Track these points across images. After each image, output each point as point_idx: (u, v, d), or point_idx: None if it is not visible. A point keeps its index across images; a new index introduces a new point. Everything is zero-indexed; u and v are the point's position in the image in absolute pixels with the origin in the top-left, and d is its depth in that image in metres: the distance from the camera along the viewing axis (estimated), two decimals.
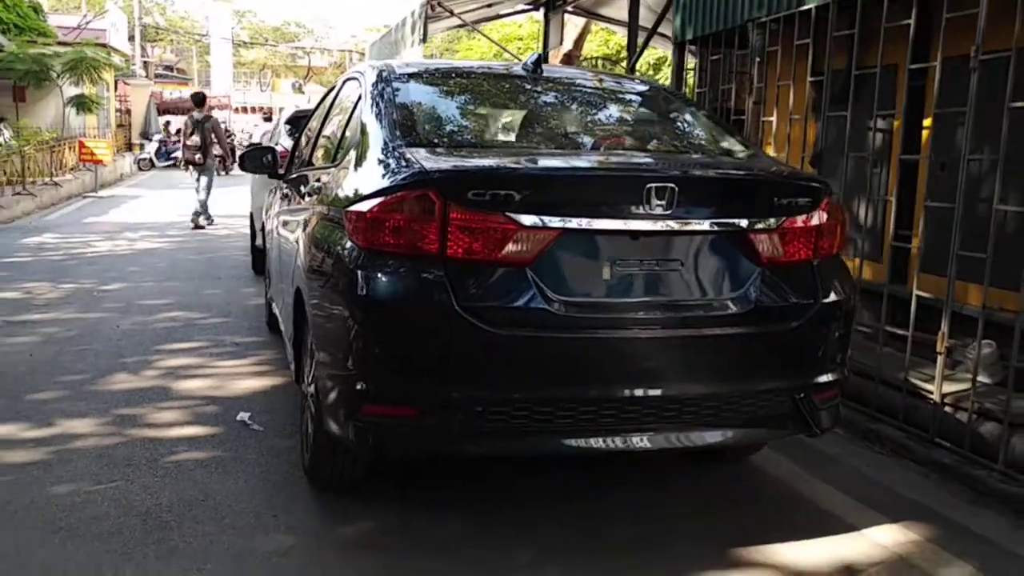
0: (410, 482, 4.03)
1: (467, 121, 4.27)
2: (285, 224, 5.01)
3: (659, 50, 19.50)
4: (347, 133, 4.23)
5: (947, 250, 4.53)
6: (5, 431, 4.55)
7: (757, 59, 6.30)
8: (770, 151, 6.57)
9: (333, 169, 4.10)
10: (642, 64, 23.32)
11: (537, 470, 4.17)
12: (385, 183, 3.30)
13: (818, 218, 3.52)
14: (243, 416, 4.81)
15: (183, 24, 61.51)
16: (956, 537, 3.65)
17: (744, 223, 3.39)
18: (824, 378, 3.56)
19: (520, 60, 4.63)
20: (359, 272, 3.22)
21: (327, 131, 4.95)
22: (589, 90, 4.71)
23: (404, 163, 3.35)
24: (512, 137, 4.24)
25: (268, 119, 20.85)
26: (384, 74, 4.21)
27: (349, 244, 3.34)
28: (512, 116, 4.42)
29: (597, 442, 3.36)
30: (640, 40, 10.44)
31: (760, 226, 3.41)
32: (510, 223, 3.14)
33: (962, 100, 4.42)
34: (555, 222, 3.18)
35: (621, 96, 4.79)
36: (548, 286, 3.19)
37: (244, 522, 3.59)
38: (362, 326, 3.23)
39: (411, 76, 4.32)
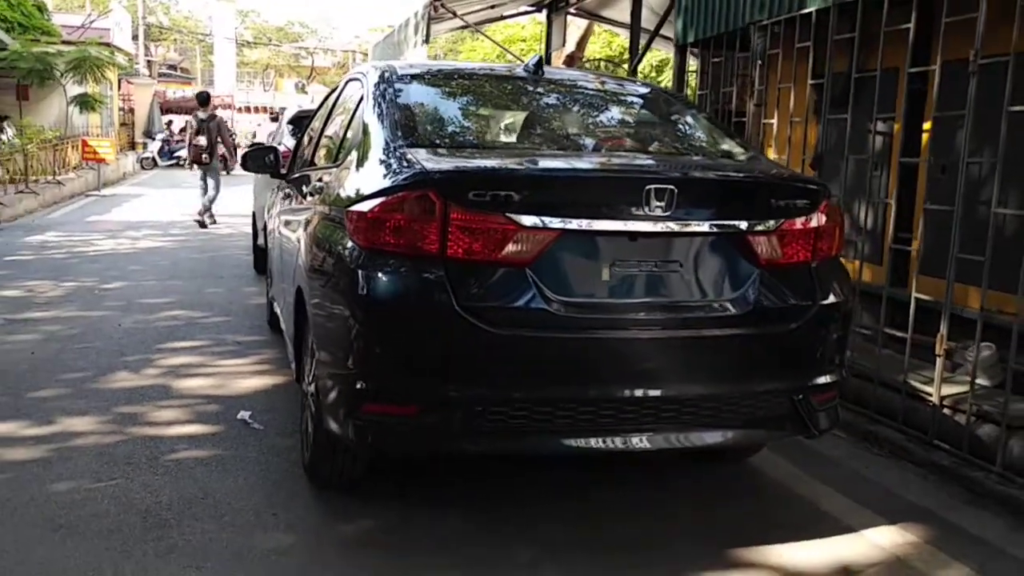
0: (410, 480, 4.04)
1: (468, 122, 4.28)
2: (287, 224, 5.03)
3: (662, 52, 19.52)
4: (349, 133, 4.25)
5: (946, 253, 4.54)
6: (6, 428, 4.57)
7: (758, 62, 6.31)
8: (771, 153, 6.59)
9: (335, 169, 4.12)
10: (645, 66, 23.35)
11: (537, 469, 4.19)
12: (386, 183, 3.32)
13: (816, 220, 3.54)
14: (244, 415, 4.82)
15: (187, 23, 61.57)
16: (953, 538, 3.67)
17: (743, 225, 3.41)
18: (822, 379, 3.57)
19: (523, 61, 4.64)
20: (360, 272, 3.24)
21: (329, 131, 4.97)
22: (590, 92, 4.72)
23: (405, 163, 3.36)
24: (513, 138, 4.26)
25: (275, 119, 20.78)
26: (386, 75, 4.23)
27: (350, 244, 3.35)
28: (513, 117, 4.44)
29: (596, 442, 3.37)
30: (642, 42, 10.46)
31: (759, 228, 3.42)
32: (510, 224, 3.15)
33: (961, 104, 4.43)
34: (555, 223, 3.19)
35: (621, 98, 4.80)
36: (548, 286, 3.21)
37: (244, 520, 3.60)
38: (362, 325, 3.25)
39: (413, 77, 4.34)
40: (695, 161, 3.99)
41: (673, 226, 3.31)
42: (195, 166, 14.55)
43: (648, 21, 10.49)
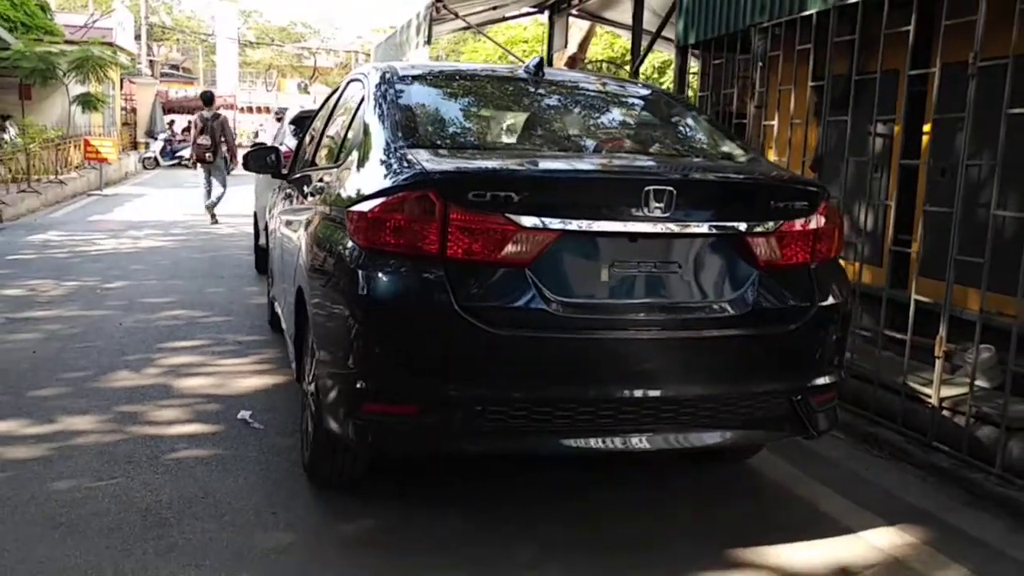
0: (410, 480, 4.05)
1: (469, 123, 4.29)
2: (288, 224, 5.04)
3: (663, 54, 19.52)
4: (350, 134, 4.26)
5: (946, 255, 4.54)
6: (6, 427, 4.58)
7: (759, 64, 6.32)
8: (771, 155, 6.59)
9: (335, 169, 4.13)
10: (646, 68, 23.37)
11: (537, 468, 4.19)
12: (386, 183, 3.32)
13: (815, 222, 3.54)
14: (244, 414, 4.83)
15: (189, 23, 61.66)
16: (952, 540, 3.67)
17: (742, 226, 3.41)
18: (821, 380, 3.58)
19: (525, 63, 4.65)
20: (360, 272, 3.25)
21: (330, 132, 4.98)
22: (590, 93, 4.73)
23: (405, 164, 3.37)
24: (513, 139, 4.27)
25: (281, 119, 20.85)
26: (387, 76, 4.24)
27: (350, 244, 3.36)
28: (513, 118, 4.45)
29: (596, 442, 3.38)
30: (644, 44, 10.46)
31: (758, 229, 3.43)
32: (510, 224, 3.16)
33: (961, 106, 4.44)
34: (554, 223, 3.20)
35: (622, 99, 4.81)
36: (547, 287, 3.22)
37: (244, 519, 3.61)
38: (362, 325, 3.26)
39: (414, 78, 4.35)
40: (695, 163, 4.00)
41: (672, 227, 3.32)
42: (199, 165, 14.67)
43: (650, 23, 10.49)
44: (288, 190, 5.49)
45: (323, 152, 4.97)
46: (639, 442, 3.40)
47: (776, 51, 6.05)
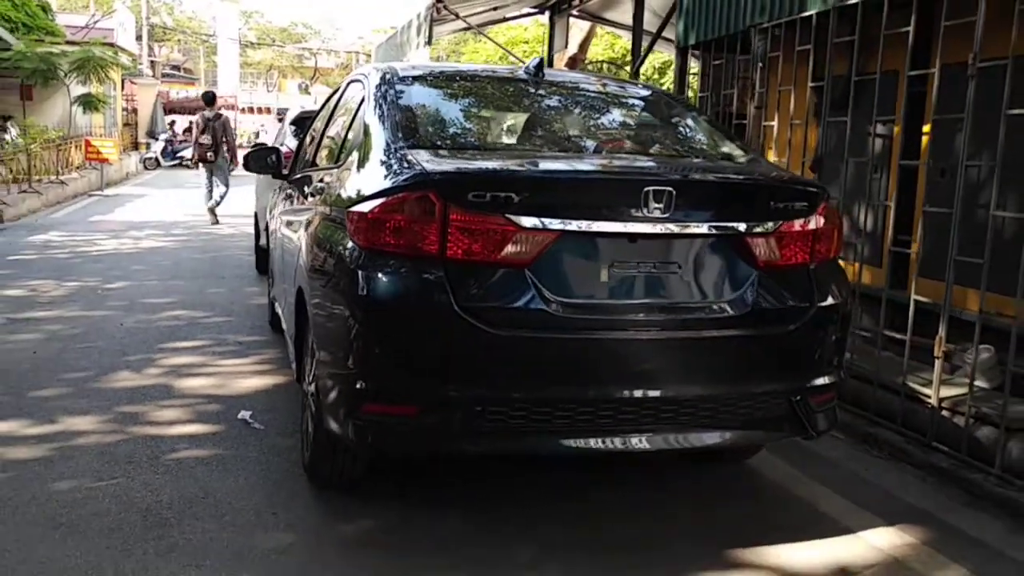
0: (410, 480, 4.05)
1: (469, 124, 4.30)
2: (288, 224, 5.05)
3: (664, 54, 19.51)
4: (350, 134, 4.26)
5: (946, 255, 4.54)
6: (7, 427, 4.58)
7: (759, 64, 6.32)
8: (771, 156, 6.60)
9: (336, 170, 4.14)
10: (647, 68, 23.37)
11: (537, 469, 4.20)
12: (386, 184, 3.33)
13: (815, 222, 3.55)
14: (244, 414, 4.84)
15: (190, 24, 61.66)
16: (951, 540, 3.68)
17: (741, 227, 3.42)
18: (820, 381, 3.58)
19: (526, 63, 4.66)
20: (360, 272, 3.26)
21: (331, 132, 4.99)
22: (590, 94, 4.73)
23: (405, 164, 3.38)
24: (513, 140, 4.28)
25: (282, 120, 20.91)
26: (387, 77, 4.24)
27: (350, 244, 3.37)
28: (513, 119, 4.46)
29: (596, 443, 3.38)
30: (644, 45, 10.47)
31: (757, 230, 3.44)
32: (509, 225, 3.16)
33: (961, 107, 4.44)
34: (554, 224, 3.21)
35: (621, 100, 4.82)
36: (547, 287, 3.22)
37: (244, 520, 3.61)
38: (362, 325, 3.26)
39: (414, 79, 4.36)
40: (694, 163, 4.00)
41: (672, 228, 3.32)
42: (200, 165, 14.72)
43: (650, 23, 10.50)
44: (289, 191, 5.50)
45: (323, 153, 4.97)
46: (639, 442, 3.40)
47: (776, 52, 6.06)
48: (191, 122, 14.65)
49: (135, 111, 34.99)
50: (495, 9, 12.33)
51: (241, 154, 9.79)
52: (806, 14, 5.60)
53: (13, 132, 20.26)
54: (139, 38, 38.40)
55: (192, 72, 58.46)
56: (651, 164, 3.95)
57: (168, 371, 5.71)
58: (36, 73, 20.86)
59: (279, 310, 5.71)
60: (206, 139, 14.15)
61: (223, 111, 15.54)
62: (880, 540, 3.65)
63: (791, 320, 3.48)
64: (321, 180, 4.34)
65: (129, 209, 17.27)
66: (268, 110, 50.50)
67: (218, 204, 14.63)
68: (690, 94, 8.91)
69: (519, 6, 12.64)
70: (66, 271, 9.56)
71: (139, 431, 4.58)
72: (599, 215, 3.27)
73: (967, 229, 4.55)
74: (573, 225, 3.23)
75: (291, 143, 9.36)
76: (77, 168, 21.63)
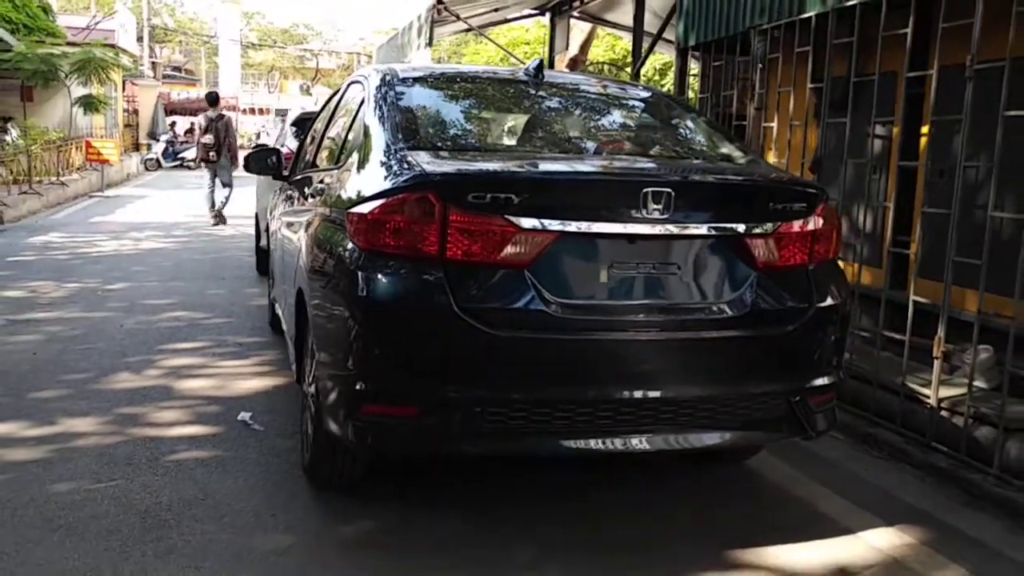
0: (410, 481, 4.05)
1: (468, 125, 4.30)
2: (288, 225, 5.05)
3: (665, 56, 19.51)
4: (350, 136, 4.27)
5: (944, 256, 4.55)
6: (6, 429, 4.58)
7: (759, 65, 6.32)
8: (771, 157, 6.61)
9: (336, 171, 4.14)
10: (648, 69, 23.36)
11: (537, 469, 4.20)
12: (386, 185, 3.34)
13: (813, 223, 3.55)
14: (244, 416, 4.84)
15: (192, 25, 61.67)
16: (950, 540, 3.68)
17: (740, 228, 3.43)
18: (819, 381, 3.59)
19: (526, 64, 4.66)
20: (359, 273, 3.26)
21: (331, 133, 4.99)
22: (589, 95, 4.74)
23: (405, 166, 3.38)
24: (513, 141, 4.28)
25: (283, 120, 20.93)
26: (387, 78, 4.25)
27: (350, 245, 3.37)
28: (513, 120, 4.46)
29: (595, 443, 3.38)
30: (645, 46, 10.47)
31: (756, 231, 3.44)
32: (509, 226, 3.17)
33: (959, 108, 4.45)
34: (553, 225, 3.21)
35: (621, 102, 4.82)
36: (546, 288, 3.23)
37: (243, 521, 3.61)
38: (362, 326, 3.27)
39: (414, 80, 4.36)
40: (693, 164, 4.01)
41: (671, 229, 3.33)
42: (203, 165, 14.76)
43: (651, 25, 10.50)
44: (289, 192, 5.50)
45: (324, 154, 4.98)
46: (638, 443, 3.40)
47: (775, 53, 6.06)
48: (192, 123, 14.68)
49: (136, 112, 35.01)
50: (496, 11, 12.34)
51: (242, 155, 9.79)
52: (805, 16, 5.61)
53: (14, 133, 20.27)
54: (140, 39, 38.44)
55: (193, 73, 58.49)
56: (650, 165, 3.96)
57: (168, 372, 5.72)
58: (37, 74, 20.85)
59: (279, 311, 5.71)
60: (208, 139, 14.19)
61: (225, 112, 15.56)
62: (879, 540, 3.65)
63: (790, 321, 3.48)
64: (321, 181, 4.34)
65: (130, 210, 17.28)
66: (270, 111, 50.55)
67: (224, 206, 14.67)
68: (690, 95, 8.92)
69: (520, 7, 12.65)
70: (66, 272, 9.56)
71: (138, 433, 4.58)
72: (598, 216, 3.27)
73: (965, 230, 4.55)
74: (572, 226, 3.24)
75: (292, 144, 9.37)
76: (78, 169, 21.65)
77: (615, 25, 12.95)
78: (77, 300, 8.06)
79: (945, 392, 4.62)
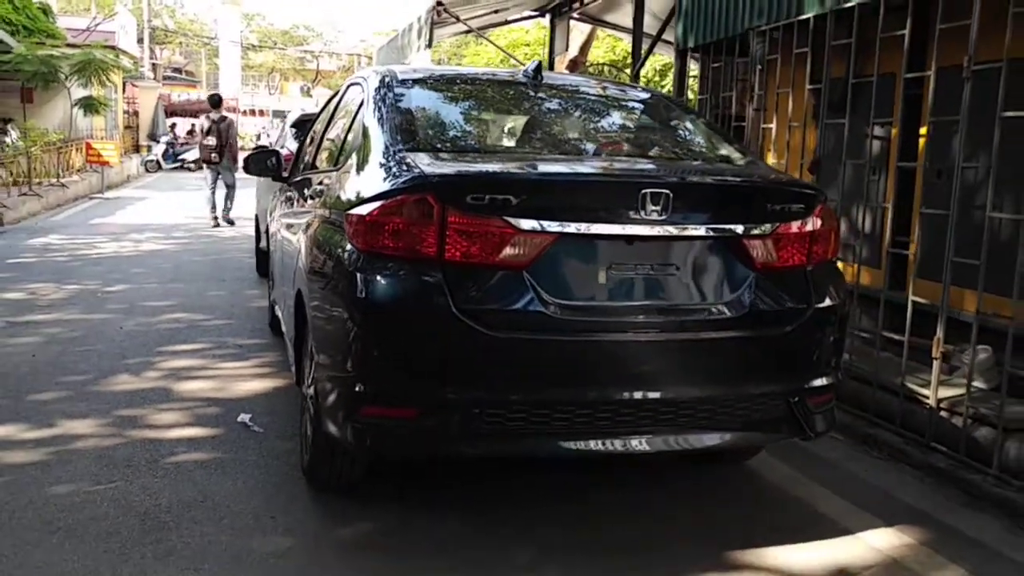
0: (409, 483, 4.05)
1: (467, 126, 4.31)
2: (288, 227, 5.05)
3: (664, 57, 19.52)
4: (349, 137, 4.27)
5: (943, 256, 4.55)
6: (5, 431, 4.58)
7: (758, 67, 6.33)
8: (770, 158, 6.61)
9: (335, 173, 4.14)
10: (648, 71, 23.36)
11: (536, 471, 4.20)
12: (385, 187, 3.34)
13: (812, 224, 3.56)
14: (244, 418, 4.84)
15: (192, 27, 61.68)
16: (950, 540, 3.68)
17: (739, 229, 3.43)
18: (818, 382, 3.59)
19: (525, 66, 4.67)
20: (358, 275, 3.26)
21: (330, 135, 5.00)
22: (588, 97, 4.74)
23: (404, 167, 3.38)
24: (512, 143, 4.28)
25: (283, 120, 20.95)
26: (386, 79, 4.25)
27: (349, 247, 3.37)
28: (512, 122, 4.46)
29: (595, 444, 3.39)
30: (644, 47, 10.48)
31: (754, 232, 3.45)
32: (507, 227, 3.17)
33: (956, 109, 4.45)
34: (552, 226, 3.21)
35: (620, 103, 4.83)
36: (544, 289, 3.23)
37: (242, 523, 3.62)
38: (361, 328, 3.27)
39: (413, 82, 4.36)
40: (692, 166, 4.01)
41: (669, 230, 3.33)
42: (206, 166, 14.80)
43: (650, 26, 10.51)
44: (288, 193, 5.51)
45: (323, 155, 4.98)
46: (638, 444, 3.41)
47: (774, 54, 6.06)
48: (193, 124, 14.68)
49: (136, 114, 35.00)
50: (496, 12, 12.34)
51: (242, 157, 9.81)
52: (804, 17, 5.61)
53: (13, 135, 20.27)
54: (140, 41, 38.45)
55: (194, 75, 58.53)
56: (649, 166, 3.96)
57: (167, 374, 5.72)
58: (37, 76, 20.88)
59: (279, 313, 5.72)
60: (211, 141, 14.23)
61: (227, 114, 15.59)
62: (879, 541, 3.65)
63: (789, 321, 3.49)
64: (320, 183, 4.35)
65: (130, 212, 17.28)
66: (268, 113, 50.58)
67: (229, 209, 14.74)
68: (690, 96, 8.92)
69: (520, 9, 12.66)
70: (66, 274, 9.57)
71: (138, 434, 4.58)
72: (597, 217, 3.27)
73: (964, 230, 4.55)
74: (571, 227, 3.24)
75: (291, 145, 9.38)
76: (78, 171, 21.65)
77: (615, 26, 12.97)
78: (77, 302, 8.06)
79: (944, 392, 4.62)
